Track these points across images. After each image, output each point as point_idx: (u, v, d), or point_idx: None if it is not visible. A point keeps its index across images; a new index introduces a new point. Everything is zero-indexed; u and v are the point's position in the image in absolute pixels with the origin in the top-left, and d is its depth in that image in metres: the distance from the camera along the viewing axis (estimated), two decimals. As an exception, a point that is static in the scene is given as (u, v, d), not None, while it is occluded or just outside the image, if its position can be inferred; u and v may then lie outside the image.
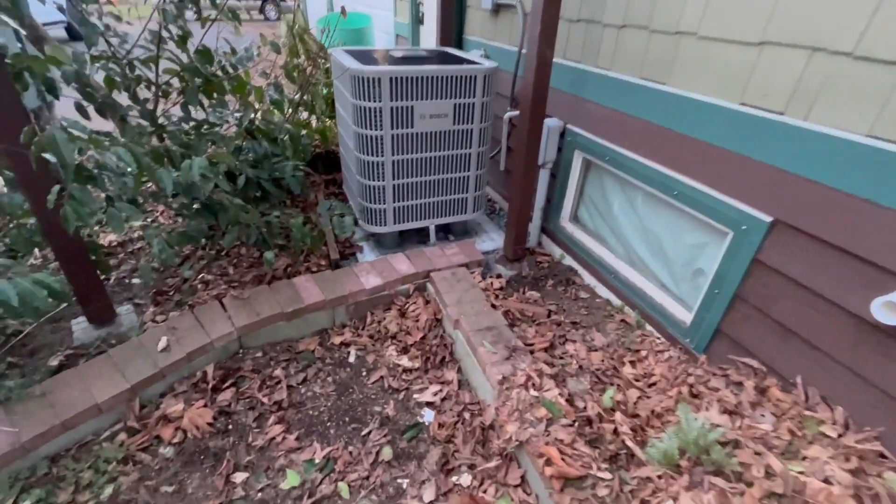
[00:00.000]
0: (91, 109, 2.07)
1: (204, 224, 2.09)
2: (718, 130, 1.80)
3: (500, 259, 2.92)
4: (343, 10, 3.11)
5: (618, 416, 1.71)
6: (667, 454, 1.44)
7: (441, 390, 2.10)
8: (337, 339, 2.36)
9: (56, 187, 1.43)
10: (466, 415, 1.99)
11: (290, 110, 2.59)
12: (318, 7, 8.29)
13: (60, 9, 2.73)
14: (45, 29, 2.67)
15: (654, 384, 1.93)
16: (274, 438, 1.88)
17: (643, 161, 2.17)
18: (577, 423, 1.66)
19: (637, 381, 1.93)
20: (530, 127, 2.40)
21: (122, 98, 2.18)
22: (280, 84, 2.61)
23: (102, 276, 2.08)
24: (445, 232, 3.10)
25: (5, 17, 1.68)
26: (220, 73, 2.41)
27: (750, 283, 1.78)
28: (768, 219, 1.66)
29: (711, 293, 1.94)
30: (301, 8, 3.40)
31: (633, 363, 2.04)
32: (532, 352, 2.13)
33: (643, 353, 2.11)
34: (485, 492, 1.68)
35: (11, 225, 1.91)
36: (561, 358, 2.12)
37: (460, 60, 2.62)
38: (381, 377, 2.18)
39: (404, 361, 2.24)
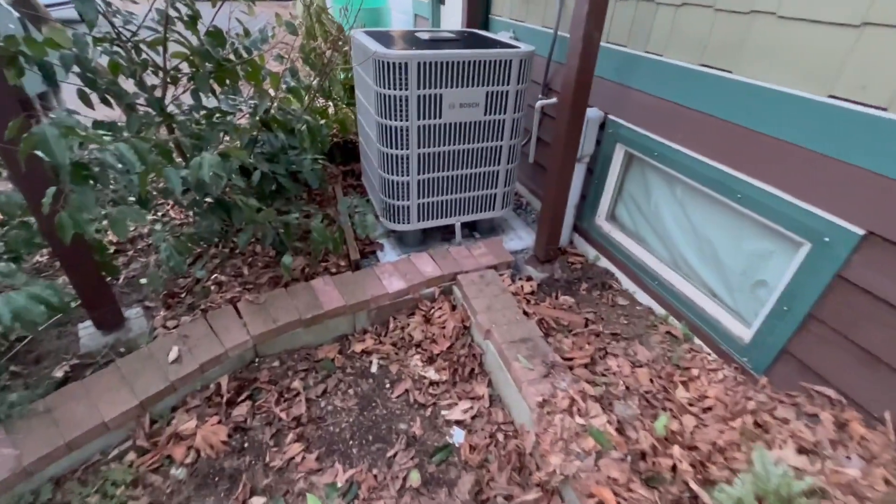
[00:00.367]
0: (95, 97, 1.90)
1: (216, 224, 1.93)
2: (798, 127, 1.57)
3: (531, 260, 2.73)
4: (363, -12, 2.88)
5: (675, 449, 1.53)
6: None
7: (471, 407, 1.94)
8: (358, 347, 2.20)
9: (51, 190, 1.26)
10: (500, 436, 1.83)
11: (308, 99, 2.39)
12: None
13: (63, -14, 2.55)
14: (51, 10, 2.49)
15: (709, 409, 1.74)
16: (293, 458, 1.74)
17: (700, 158, 1.94)
18: (629, 457, 1.49)
19: (691, 405, 1.75)
20: (571, 119, 2.17)
21: (130, 85, 2.00)
22: (296, 69, 2.41)
23: (109, 278, 1.94)
24: (471, 229, 2.91)
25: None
26: (232, 56, 2.22)
27: (829, 301, 1.57)
28: (859, 231, 1.44)
29: (779, 310, 1.73)
30: (317, -14, 3.18)
31: (684, 383, 1.85)
32: (571, 367, 1.95)
33: (694, 371, 1.92)
34: (524, 527, 1.52)
35: (11, 224, 1.76)
36: (603, 375, 1.94)
37: (492, 43, 2.39)
38: (406, 390, 2.03)
39: (431, 373, 2.08)
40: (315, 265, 2.39)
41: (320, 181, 2.35)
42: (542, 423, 1.63)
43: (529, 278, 2.60)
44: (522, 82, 2.32)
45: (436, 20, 4.72)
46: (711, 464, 1.50)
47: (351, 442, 1.83)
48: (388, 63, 2.06)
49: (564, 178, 2.40)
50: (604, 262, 2.70)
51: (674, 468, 1.48)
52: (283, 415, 1.86)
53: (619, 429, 1.60)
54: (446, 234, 2.84)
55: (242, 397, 1.89)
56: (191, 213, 2.29)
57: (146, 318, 2.05)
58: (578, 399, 1.67)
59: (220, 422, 1.77)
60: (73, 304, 1.94)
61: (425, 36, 2.43)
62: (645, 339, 2.17)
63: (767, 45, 1.64)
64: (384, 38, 2.34)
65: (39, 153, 1.18)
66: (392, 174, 2.38)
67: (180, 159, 2.08)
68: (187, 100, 2.21)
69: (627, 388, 1.83)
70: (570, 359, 2.01)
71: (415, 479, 1.69)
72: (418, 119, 2.23)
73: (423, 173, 2.41)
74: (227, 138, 2.24)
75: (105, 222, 1.52)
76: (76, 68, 1.74)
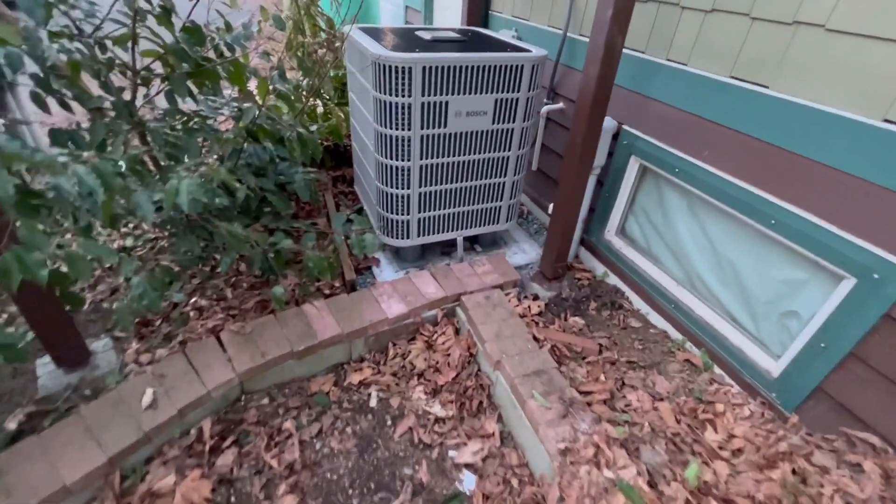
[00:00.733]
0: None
1: (196, 247, 1.71)
2: (847, 152, 1.44)
3: (537, 276, 2.57)
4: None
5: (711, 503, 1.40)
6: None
7: (482, 448, 1.78)
8: (355, 378, 2.01)
9: (-8, 225, 1.04)
10: (514, 481, 1.68)
11: (302, 105, 2.16)
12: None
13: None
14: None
15: (739, 450, 1.63)
16: (286, 513, 1.55)
17: (730, 179, 1.80)
18: (664, 516, 1.36)
19: (721, 448, 1.62)
20: (587, 132, 2.01)
21: (96, 86, 1.75)
22: (284, 70, 2.18)
23: (71, 309, 1.70)
24: (471, 242, 2.73)
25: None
26: (213, 55, 1.97)
27: (875, 341, 1.45)
28: (917, 270, 1.32)
29: (814, 346, 1.61)
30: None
31: (711, 422, 1.72)
32: (590, 403, 1.81)
33: (719, 406, 1.80)
34: None
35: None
36: (624, 412, 1.80)
37: (501, 46, 2.20)
38: (410, 428, 1.85)
39: (436, 409, 1.91)
40: (307, 286, 2.19)
41: (312, 194, 2.14)
42: (565, 476, 1.48)
43: (536, 297, 2.45)
44: (534, 89, 2.15)
45: (428, 13, 4.48)
46: (752, 521, 1.37)
47: (351, 491, 1.65)
48: (389, 67, 1.86)
49: (577, 193, 2.25)
50: (613, 279, 2.56)
51: (713, 529, 1.35)
52: (273, 462, 1.66)
53: (651, 482, 1.46)
54: (446, 247, 2.66)
55: (228, 443, 1.68)
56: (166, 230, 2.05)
57: (116, 351, 1.82)
58: (603, 446, 1.53)
59: (202, 475, 1.57)
60: (28, 339, 1.70)
61: (427, 36, 2.23)
62: (663, 368, 2.05)
63: (813, 61, 1.50)
64: (383, 38, 2.13)
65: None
66: (391, 187, 2.18)
67: (156, 174, 1.84)
68: (162, 102, 1.96)
69: (653, 429, 1.70)
70: (587, 392, 1.87)
71: (424, 535, 1.53)
72: (422, 128, 2.03)
73: (425, 186, 2.22)
74: (206, 152, 2.00)
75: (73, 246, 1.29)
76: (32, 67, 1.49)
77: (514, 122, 2.20)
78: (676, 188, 2.14)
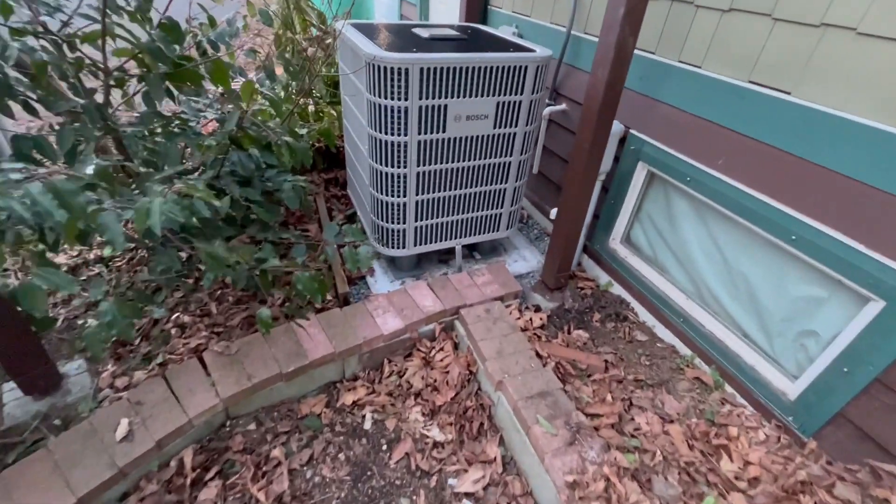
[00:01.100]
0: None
1: (176, 263, 1.58)
2: (878, 165, 1.34)
3: (538, 286, 2.47)
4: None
5: (732, 545, 1.31)
6: None
7: (483, 475, 1.68)
8: (349, 398, 1.90)
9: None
10: (518, 513, 1.59)
11: (291, 109, 2.03)
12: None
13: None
14: None
15: (755, 479, 1.54)
16: (274, 552, 1.45)
17: (746, 190, 1.70)
18: (681, 559, 1.26)
19: (737, 478, 1.53)
20: (594, 137, 1.90)
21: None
22: (272, 69, 2.04)
23: (39, 331, 1.57)
24: (470, 249, 2.62)
25: None
26: (195, 53, 1.83)
27: (904, 369, 1.36)
28: (955, 296, 1.23)
29: (836, 369, 1.52)
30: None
31: (725, 448, 1.63)
32: (597, 428, 1.71)
33: (732, 429, 1.71)
34: None
35: None
36: (633, 436, 1.71)
37: (503, 44, 2.08)
38: (407, 454, 1.75)
39: (434, 432, 1.81)
40: (297, 311, 2.05)
41: (302, 202, 2.01)
42: (574, 512, 1.38)
43: (538, 308, 2.34)
44: (538, 91, 2.02)
45: (424, 7, 4.33)
46: (774, 563, 1.28)
47: (344, 525, 1.55)
48: (384, 68, 1.73)
49: (582, 202, 2.14)
50: (617, 289, 2.46)
51: (734, 574, 1.26)
52: (261, 494, 1.55)
53: (666, 519, 1.37)
54: (443, 255, 2.54)
55: (211, 474, 1.57)
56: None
57: (90, 374, 1.70)
58: (614, 479, 1.43)
59: (183, 512, 1.46)
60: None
61: (425, 34, 2.09)
62: (672, 386, 1.95)
63: (841, 66, 1.39)
64: (377, 36, 2.00)
65: None
66: (385, 195, 2.06)
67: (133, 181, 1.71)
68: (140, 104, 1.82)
69: (664, 457, 1.60)
70: (595, 415, 1.77)
71: (422, 575, 1.43)
72: (419, 133, 1.91)
73: (422, 193, 2.10)
74: (191, 152, 1.86)
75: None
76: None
77: (516, 126, 2.08)
78: (686, 197, 2.03)
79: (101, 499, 1.39)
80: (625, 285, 2.40)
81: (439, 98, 1.85)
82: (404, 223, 2.16)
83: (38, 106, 1.56)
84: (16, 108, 1.54)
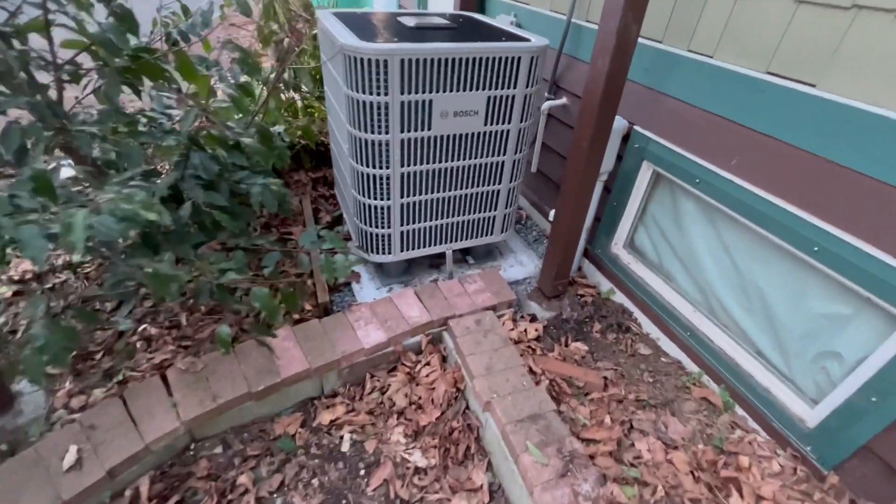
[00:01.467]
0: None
1: (137, 273, 1.44)
2: (918, 169, 1.16)
3: (535, 294, 2.31)
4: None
5: None
6: None
7: (468, 506, 1.54)
8: (326, 417, 1.77)
9: None
10: (504, 550, 1.45)
11: (261, 104, 1.88)
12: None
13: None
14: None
15: (768, 518, 1.38)
16: (235, 592, 1.32)
17: (762, 195, 1.53)
18: None
19: (748, 517, 1.38)
20: (595, 133, 1.73)
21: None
22: (251, 59, 1.89)
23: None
24: (464, 253, 2.47)
25: None
26: (163, 44, 1.69)
27: (943, 403, 1.19)
28: None
29: (863, 398, 1.35)
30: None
31: (734, 481, 1.47)
32: (593, 456, 1.56)
33: (743, 459, 1.55)
34: None
35: None
36: (633, 465, 1.56)
37: (495, 34, 1.91)
38: (386, 480, 1.61)
39: (416, 457, 1.67)
40: (261, 329, 1.92)
41: (281, 203, 1.87)
42: (563, 558, 1.24)
43: (534, 318, 2.19)
44: (533, 84, 1.86)
45: (423, -3, 4.16)
46: None
47: (313, 561, 1.42)
48: (361, 60, 1.57)
49: (582, 203, 1.98)
50: (619, 298, 2.30)
51: None
52: (224, 527, 1.43)
53: (667, 569, 1.22)
54: (435, 259, 2.39)
55: (170, 504, 1.45)
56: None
57: (46, 392, 1.58)
58: (610, 519, 1.29)
59: (135, 547, 1.34)
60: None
61: (411, 22, 1.93)
62: (677, 407, 1.80)
63: (875, 55, 1.21)
64: (358, 24, 1.84)
65: None
66: (368, 197, 1.92)
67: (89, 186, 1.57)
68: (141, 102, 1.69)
69: (667, 492, 1.45)
70: (591, 441, 1.62)
71: None
72: (402, 131, 1.75)
73: (408, 196, 1.95)
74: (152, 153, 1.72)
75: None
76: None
77: (509, 122, 1.92)
78: (695, 200, 1.86)
79: (43, 535, 1.27)
80: (627, 293, 2.24)
81: (423, 93, 1.69)
82: (389, 227, 2.01)
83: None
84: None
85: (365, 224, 2.01)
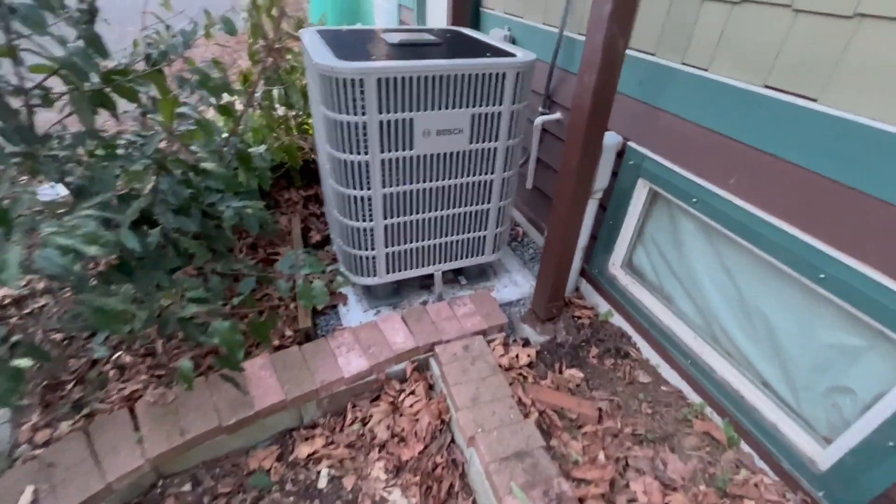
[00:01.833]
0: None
1: (115, 304, 1.39)
2: (932, 192, 1.05)
3: (528, 316, 2.21)
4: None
5: None
6: None
7: (448, 552, 1.44)
8: (304, 450, 1.68)
9: None
10: None
11: (233, 126, 1.84)
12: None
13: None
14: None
15: (776, 573, 1.25)
16: None
17: (761, 216, 1.42)
18: None
19: (753, 573, 1.25)
20: (584, 149, 1.65)
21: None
22: (211, 80, 1.83)
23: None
24: (456, 273, 2.38)
25: None
26: (143, 65, 1.66)
27: (970, 452, 1.06)
28: None
29: (880, 441, 1.23)
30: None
31: (738, 529, 1.35)
32: (583, 499, 1.45)
33: (748, 503, 1.42)
34: None
35: None
36: (626, 510, 1.44)
37: (481, 49, 1.85)
38: (363, 521, 1.52)
39: (396, 495, 1.57)
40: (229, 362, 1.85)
41: (263, 225, 1.81)
42: None
43: (526, 342, 2.09)
44: (520, 100, 1.78)
45: (421, 12, 4.14)
46: None
47: None
48: (336, 79, 1.52)
49: (574, 221, 1.89)
50: (618, 320, 2.18)
51: None
52: (187, 573, 1.35)
53: None
54: (425, 280, 2.31)
55: (132, 548, 1.37)
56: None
57: (13, 424, 1.53)
58: (597, 575, 1.17)
59: None
60: None
61: (395, 38, 1.88)
62: (677, 443, 1.67)
63: (881, 66, 1.11)
64: (340, 43, 1.79)
65: None
66: (350, 219, 1.85)
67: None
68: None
69: (663, 542, 1.33)
70: (582, 481, 1.51)
71: None
72: (382, 151, 1.69)
73: (392, 217, 1.88)
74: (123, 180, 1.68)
75: None
76: None
77: (496, 140, 1.84)
78: (694, 220, 1.76)
79: (-8, 584, 1.20)
80: (626, 316, 2.12)
81: (403, 111, 1.63)
82: (373, 249, 1.94)
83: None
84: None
85: (349, 246, 1.94)
